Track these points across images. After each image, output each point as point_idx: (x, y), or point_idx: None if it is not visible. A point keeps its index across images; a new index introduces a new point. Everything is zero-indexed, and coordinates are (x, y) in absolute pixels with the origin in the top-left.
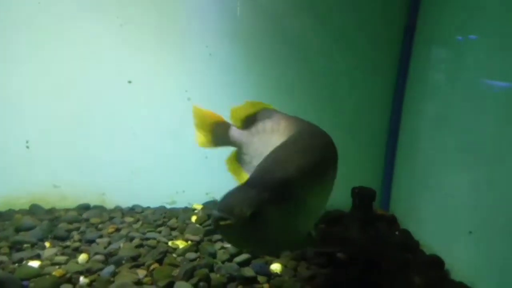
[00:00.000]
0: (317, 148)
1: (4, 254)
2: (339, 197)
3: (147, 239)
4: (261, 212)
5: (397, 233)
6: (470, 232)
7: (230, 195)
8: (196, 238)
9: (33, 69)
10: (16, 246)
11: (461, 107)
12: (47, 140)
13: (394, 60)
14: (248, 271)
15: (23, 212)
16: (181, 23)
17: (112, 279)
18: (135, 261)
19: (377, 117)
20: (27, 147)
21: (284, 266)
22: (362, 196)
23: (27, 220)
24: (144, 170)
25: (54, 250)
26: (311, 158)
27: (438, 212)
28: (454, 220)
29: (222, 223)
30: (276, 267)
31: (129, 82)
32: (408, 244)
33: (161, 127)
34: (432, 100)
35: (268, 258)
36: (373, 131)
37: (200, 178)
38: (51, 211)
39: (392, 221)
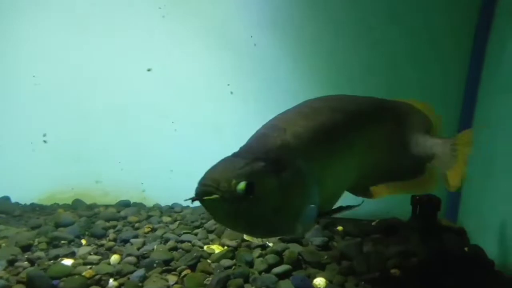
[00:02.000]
0: (327, 110)
1: (42, 249)
2: (396, 203)
3: (182, 241)
4: (254, 183)
5: (466, 249)
6: None
7: (212, 167)
8: (233, 243)
9: (73, 61)
10: (53, 242)
11: None
12: (90, 136)
13: (466, 52)
14: (287, 284)
15: (65, 207)
16: (224, 12)
17: (140, 284)
18: (167, 265)
19: (446, 112)
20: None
21: (329, 282)
22: (423, 204)
23: (67, 216)
24: (185, 168)
25: (88, 248)
26: (315, 121)
27: None
28: None
29: (206, 198)
30: (320, 281)
31: (170, 76)
32: (481, 262)
33: (203, 122)
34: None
35: (311, 271)
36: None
37: None
38: (91, 207)
39: (460, 234)
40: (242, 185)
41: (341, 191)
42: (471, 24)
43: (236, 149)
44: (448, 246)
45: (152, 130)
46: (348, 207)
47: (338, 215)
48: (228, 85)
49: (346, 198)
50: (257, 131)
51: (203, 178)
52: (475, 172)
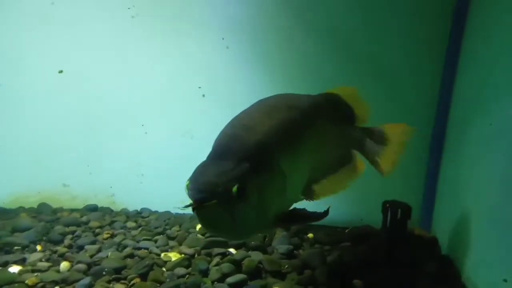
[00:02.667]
0: (284, 107)
1: None
2: (370, 211)
3: (139, 248)
4: (246, 186)
5: (434, 260)
6: (505, 280)
7: (202, 172)
8: (191, 251)
9: (39, 65)
10: (5, 248)
11: None
12: (57, 138)
13: (440, 57)
14: None
15: (30, 211)
16: (195, 14)
17: None
18: (118, 274)
19: (420, 119)
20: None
21: None
22: (394, 212)
23: (25, 221)
24: (156, 172)
25: (41, 255)
26: (278, 119)
27: (488, 241)
28: (508, 255)
29: (206, 204)
30: None
31: (140, 78)
32: (447, 275)
33: (174, 125)
34: (483, 107)
35: (269, 280)
36: (415, 136)
37: None
38: (56, 211)
39: (432, 245)
40: (235, 188)
41: (301, 189)
42: (445, 33)
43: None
44: (415, 257)
45: (122, 132)
46: (316, 217)
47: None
48: (200, 87)
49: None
50: (225, 132)
51: (196, 182)
52: (447, 181)
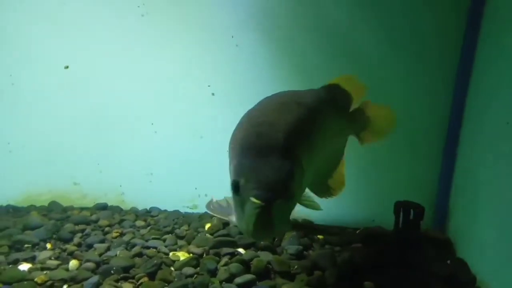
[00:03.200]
0: (295, 104)
1: (2, 253)
2: (382, 212)
3: (148, 247)
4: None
5: (448, 262)
6: None
7: (259, 169)
8: (200, 250)
9: (50, 64)
10: (16, 246)
11: None
12: (67, 137)
13: (455, 57)
14: None
15: (41, 209)
16: (204, 12)
17: None
18: (126, 273)
19: (434, 117)
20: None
21: None
22: (406, 212)
23: (36, 219)
24: (165, 171)
25: (51, 253)
26: (292, 116)
27: (504, 243)
28: None
29: (278, 201)
30: None
31: (149, 76)
32: (460, 278)
33: (184, 124)
34: (500, 105)
35: (278, 281)
36: (428, 136)
37: (225, 182)
38: (67, 209)
39: (446, 246)
40: (292, 185)
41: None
42: (459, 31)
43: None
44: (429, 259)
45: (132, 131)
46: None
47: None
48: (209, 86)
49: None
50: (247, 129)
51: (263, 182)
52: (462, 181)
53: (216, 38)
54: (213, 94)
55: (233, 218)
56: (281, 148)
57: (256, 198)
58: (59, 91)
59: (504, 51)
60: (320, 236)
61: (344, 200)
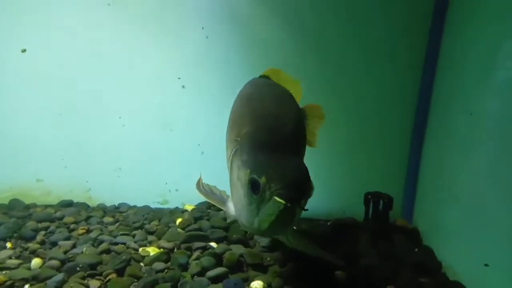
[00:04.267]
0: (287, 96)
1: None
2: (353, 203)
3: (116, 243)
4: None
5: (416, 250)
6: (486, 265)
7: (286, 168)
8: (170, 245)
9: (7, 52)
10: None
11: (499, 106)
12: (30, 131)
13: (420, 52)
14: None
15: (1, 207)
16: (174, 2)
17: None
18: (93, 270)
19: (401, 111)
20: (1, 139)
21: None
22: (375, 202)
23: None
24: (134, 166)
25: (11, 252)
26: (292, 107)
27: (468, 229)
28: (487, 241)
29: (302, 202)
30: (257, 285)
31: (117, 67)
32: (428, 265)
33: (153, 117)
34: (463, 97)
35: (251, 273)
36: (395, 129)
37: (195, 176)
38: (29, 207)
39: (413, 235)
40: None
41: None
42: (425, 29)
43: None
44: (398, 248)
45: (99, 125)
46: None
47: None
48: (179, 78)
49: None
50: (253, 122)
51: (293, 182)
52: (428, 171)
53: (186, 30)
54: (183, 86)
55: (229, 210)
56: (294, 144)
57: (282, 198)
58: (21, 82)
59: (467, 44)
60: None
61: (315, 192)
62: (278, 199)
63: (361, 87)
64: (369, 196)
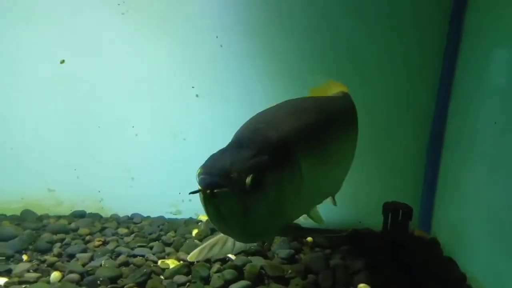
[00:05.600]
0: (311, 109)
1: None
2: (369, 213)
3: (135, 256)
4: (264, 178)
5: (437, 261)
6: None
7: (217, 158)
8: None
9: (24, 65)
10: None
11: None
12: (42, 141)
13: (438, 59)
14: None
15: (12, 218)
16: (189, 12)
17: None
18: (113, 283)
19: (418, 119)
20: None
21: None
22: (394, 213)
23: (9, 229)
24: (146, 175)
25: (28, 265)
26: (306, 120)
27: (492, 240)
28: None
29: (217, 191)
30: None
31: (130, 76)
32: (451, 277)
33: (166, 127)
34: (485, 104)
35: (273, 286)
36: (412, 138)
37: None
38: (42, 218)
39: (433, 246)
40: (250, 178)
41: (321, 196)
42: (442, 34)
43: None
44: (419, 258)
45: (111, 135)
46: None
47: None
48: (193, 87)
49: None
50: (247, 126)
51: (208, 167)
52: (448, 182)
53: (200, 39)
54: (197, 95)
55: None
56: (264, 143)
57: (200, 184)
58: (33, 92)
59: (488, 50)
60: (309, 239)
61: (330, 202)
62: (199, 185)
63: (377, 95)
64: (388, 206)
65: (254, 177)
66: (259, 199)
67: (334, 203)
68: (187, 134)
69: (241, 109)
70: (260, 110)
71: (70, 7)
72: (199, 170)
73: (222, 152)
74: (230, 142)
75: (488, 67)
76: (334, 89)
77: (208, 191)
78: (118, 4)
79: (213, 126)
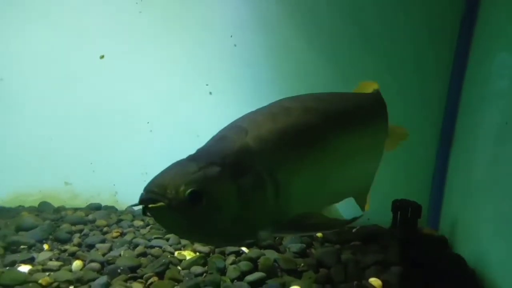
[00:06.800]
0: (300, 110)
1: None
2: (378, 210)
3: (152, 247)
4: (204, 190)
5: (447, 258)
6: None
7: (163, 172)
8: (206, 249)
9: (42, 61)
10: (11, 247)
11: None
12: (59, 135)
13: (449, 57)
14: None
15: (31, 209)
16: (203, 11)
17: None
18: (133, 273)
19: (428, 118)
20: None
21: None
22: (404, 210)
23: (29, 219)
24: (160, 170)
25: (50, 254)
26: (284, 123)
27: (501, 237)
28: None
29: (151, 206)
30: None
31: (145, 73)
32: (461, 273)
33: (180, 123)
34: (494, 104)
35: (287, 278)
36: (421, 136)
37: None
38: (59, 210)
39: (442, 243)
40: (188, 192)
41: (324, 200)
42: (453, 37)
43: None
44: (428, 255)
45: (126, 130)
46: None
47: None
48: (207, 85)
49: None
50: (219, 132)
51: (149, 183)
52: (456, 181)
53: (214, 38)
54: (210, 93)
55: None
56: (221, 154)
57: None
58: (51, 88)
59: (498, 49)
60: (319, 235)
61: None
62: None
63: (387, 94)
64: (397, 204)
65: (192, 191)
66: (207, 211)
67: (363, 208)
68: (200, 130)
69: (254, 106)
70: None
71: (87, 6)
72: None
73: (172, 164)
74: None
75: (497, 68)
76: (368, 89)
77: (142, 206)
78: (136, 3)
79: (225, 123)
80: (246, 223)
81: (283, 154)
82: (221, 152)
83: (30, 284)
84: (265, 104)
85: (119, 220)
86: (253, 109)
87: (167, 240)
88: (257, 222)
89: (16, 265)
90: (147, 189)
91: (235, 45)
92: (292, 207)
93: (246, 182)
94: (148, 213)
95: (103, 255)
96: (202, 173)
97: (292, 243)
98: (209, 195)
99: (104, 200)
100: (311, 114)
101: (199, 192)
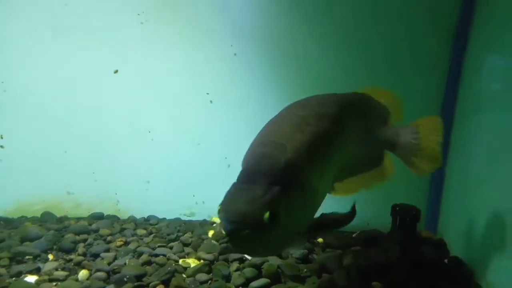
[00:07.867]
0: (315, 117)
1: (3, 266)
2: (377, 214)
3: (156, 255)
4: (276, 211)
5: (446, 261)
6: None
7: (233, 199)
8: (210, 257)
9: (43, 70)
10: (17, 258)
11: None
12: (61, 145)
13: (445, 58)
14: None
15: (34, 220)
16: (204, 20)
17: None
18: (139, 281)
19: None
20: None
21: None
22: (403, 215)
23: (34, 230)
24: (162, 179)
25: (55, 263)
26: (309, 133)
27: (499, 239)
28: None
29: (239, 234)
30: None
31: (146, 83)
32: (460, 275)
33: (181, 132)
34: (490, 107)
35: (290, 284)
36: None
37: (222, 189)
38: (62, 219)
39: (440, 246)
40: (267, 215)
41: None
42: (449, 36)
43: (215, 161)
44: (428, 258)
45: (128, 139)
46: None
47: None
48: (208, 94)
49: None
50: (255, 150)
51: (227, 212)
52: (453, 183)
53: (215, 47)
54: (211, 101)
55: None
56: (273, 173)
57: (224, 230)
58: (53, 97)
59: (495, 49)
60: (320, 240)
61: (338, 204)
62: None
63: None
64: (397, 208)
65: (269, 213)
66: (277, 227)
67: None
68: (201, 139)
69: (254, 115)
70: (273, 116)
71: (90, 16)
72: (219, 208)
73: (235, 190)
74: (241, 171)
75: (494, 70)
76: (379, 96)
77: (231, 235)
78: (138, 14)
79: (226, 131)
80: (295, 230)
81: (314, 162)
82: (273, 171)
83: None
84: (266, 112)
85: (122, 229)
86: (254, 118)
87: (171, 248)
88: (301, 227)
89: (23, 275)
90: (229, 219)
91: (235, 54)
92: (319, 204)
93: (295, 194)
94: (231, 242)
95: (109, 264)
96: (269, 195)
97: (294, 249)
98: (279, 213)
99: (106, 209)
100: (323, 120)
101: (274, 213)
